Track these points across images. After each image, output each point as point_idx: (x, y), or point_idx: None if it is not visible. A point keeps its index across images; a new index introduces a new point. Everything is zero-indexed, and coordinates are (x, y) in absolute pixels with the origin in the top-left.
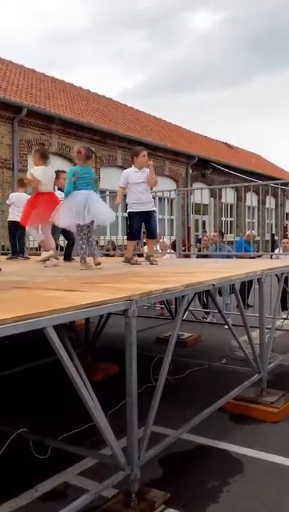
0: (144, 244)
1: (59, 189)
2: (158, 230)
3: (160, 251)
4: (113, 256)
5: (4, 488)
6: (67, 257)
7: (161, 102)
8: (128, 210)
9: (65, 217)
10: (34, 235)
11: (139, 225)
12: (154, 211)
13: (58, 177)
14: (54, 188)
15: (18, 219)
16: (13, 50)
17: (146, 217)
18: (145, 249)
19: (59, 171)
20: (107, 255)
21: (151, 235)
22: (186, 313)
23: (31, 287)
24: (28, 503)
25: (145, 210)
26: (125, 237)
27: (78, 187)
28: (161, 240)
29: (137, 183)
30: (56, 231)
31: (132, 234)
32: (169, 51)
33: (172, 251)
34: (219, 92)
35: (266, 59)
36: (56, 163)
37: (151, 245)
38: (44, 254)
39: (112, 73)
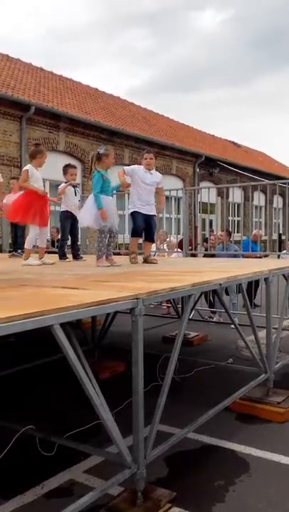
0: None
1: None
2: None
3: (167, 250)
4: (119, 254)
5: (10, 485)
6: (76, 256)
7: (165, 100)
8: (132, 210)
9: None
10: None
11: (144, 224)
12: (155, 215)
13: (66, 171)
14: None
15: None
16: (16, 48)
17: (149, 219)
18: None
19: (70, 165)
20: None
21: (151, 238)
22: (193, 312)
23: (38, 285)
24: (34, 500)
25: (148, 213)
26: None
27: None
28: (168, 239)
29: (144, 183)
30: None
31: (137, 231)
32: (173, 50)
33: (179, 250)
34: (224, 91)
35: (271, 58)
36: (64, 162)
37: (148, 247)
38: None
39: (116, 72)
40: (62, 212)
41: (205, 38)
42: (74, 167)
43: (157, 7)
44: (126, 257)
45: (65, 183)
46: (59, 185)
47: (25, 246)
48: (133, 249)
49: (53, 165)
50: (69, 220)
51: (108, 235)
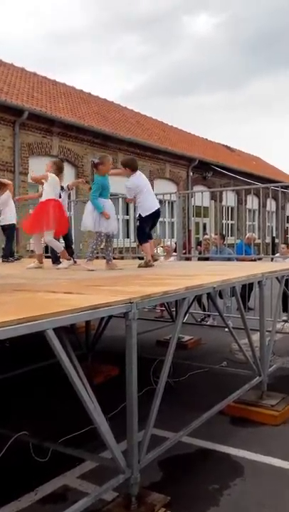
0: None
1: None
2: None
3: (163, 254)
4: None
5: (4, 491)
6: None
7: (160, 104)
8: (146, 213)
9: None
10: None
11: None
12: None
13: None
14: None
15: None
16: (11, 51)
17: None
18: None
19: None
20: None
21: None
22: (187, 315)
23: (32, 290)
24: (27, 506)
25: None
26: (129, 239)
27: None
28: (161, 244)
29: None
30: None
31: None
32: (168, 54)
33: (174, 254)
34: (218, 95)
35: (266, 61)
36: None
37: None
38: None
39: (111, 75)
40: None
41: (199, 41)
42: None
43: (152, 11)
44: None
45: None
46: None
47: (58, 251)
48: (150, 255)
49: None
50: None
51: (105, 239)
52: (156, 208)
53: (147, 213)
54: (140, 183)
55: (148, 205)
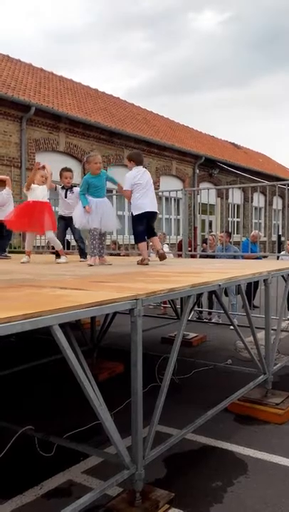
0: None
1: (62, 187)
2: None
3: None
4: (118, 255)
5: (9, 485)
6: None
7: (164, 101)
8: (137, 212)
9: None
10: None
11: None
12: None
13: (61, 175)
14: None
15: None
16: (15, 49)
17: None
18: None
19: (65, 169)
20: (111, 254)
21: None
22: (192, 313)
23: (38, 285)
24: (32, 501)
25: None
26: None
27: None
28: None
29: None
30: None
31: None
32: (172, 51)
33: (170, 251)
34: (223, 92)
35: (270, 59)
36: (64, 163)
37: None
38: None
39: (115, 73)
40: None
41: (204, 39)
42: (69, 170)
43: (156, 9)
44: (124, 258)
45: (61, 186)
46: (60, 186)
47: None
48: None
49: (53, 166)
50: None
51: (97, 236)
52: (148, 210)
53: (138, 212)
54: (141, 177)
55: (140, 203)
